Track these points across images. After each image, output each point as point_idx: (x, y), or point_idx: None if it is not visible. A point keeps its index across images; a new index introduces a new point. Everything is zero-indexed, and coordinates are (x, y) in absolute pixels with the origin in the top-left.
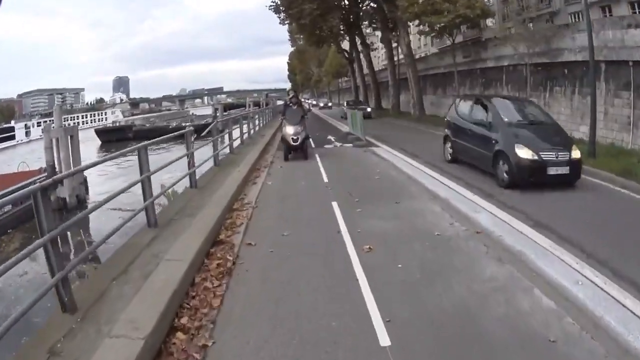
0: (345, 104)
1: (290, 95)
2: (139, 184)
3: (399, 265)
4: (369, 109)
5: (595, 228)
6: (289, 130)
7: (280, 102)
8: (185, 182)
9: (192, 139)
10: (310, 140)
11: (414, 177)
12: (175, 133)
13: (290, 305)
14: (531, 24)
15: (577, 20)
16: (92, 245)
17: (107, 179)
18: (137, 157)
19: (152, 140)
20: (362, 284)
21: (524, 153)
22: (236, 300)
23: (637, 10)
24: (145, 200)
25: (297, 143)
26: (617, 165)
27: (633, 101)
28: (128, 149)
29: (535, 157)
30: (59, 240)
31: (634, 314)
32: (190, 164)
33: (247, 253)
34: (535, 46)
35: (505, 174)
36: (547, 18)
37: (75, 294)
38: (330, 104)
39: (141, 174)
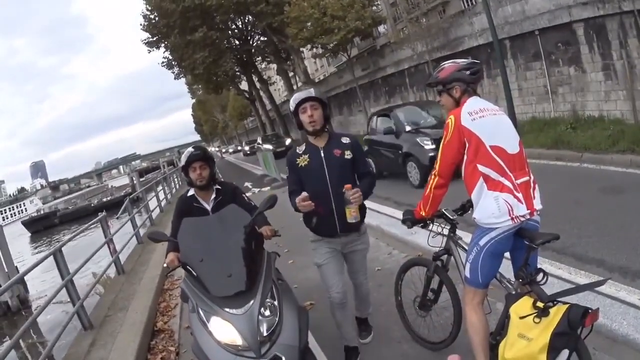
0: (260, 141)
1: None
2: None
3: None
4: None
5: None
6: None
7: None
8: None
9: (108, 224)
10: None
11: None
12: (91, 223)
13: None
14: (424, 20)
15: (470, 4)
16: None
17: (42, 272)
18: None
19: (65, 240)
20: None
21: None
22: None
23: None
24: (74, 304)
25: None
26: (546, 139)
27: (547, 69)
28: (44, 254)
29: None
30: None
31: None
32: (112, 250)
33: (189, 338)
34: (434, 41)
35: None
36: (440, 9)
37: None
38: (240, 148)
39: (62, 278)
